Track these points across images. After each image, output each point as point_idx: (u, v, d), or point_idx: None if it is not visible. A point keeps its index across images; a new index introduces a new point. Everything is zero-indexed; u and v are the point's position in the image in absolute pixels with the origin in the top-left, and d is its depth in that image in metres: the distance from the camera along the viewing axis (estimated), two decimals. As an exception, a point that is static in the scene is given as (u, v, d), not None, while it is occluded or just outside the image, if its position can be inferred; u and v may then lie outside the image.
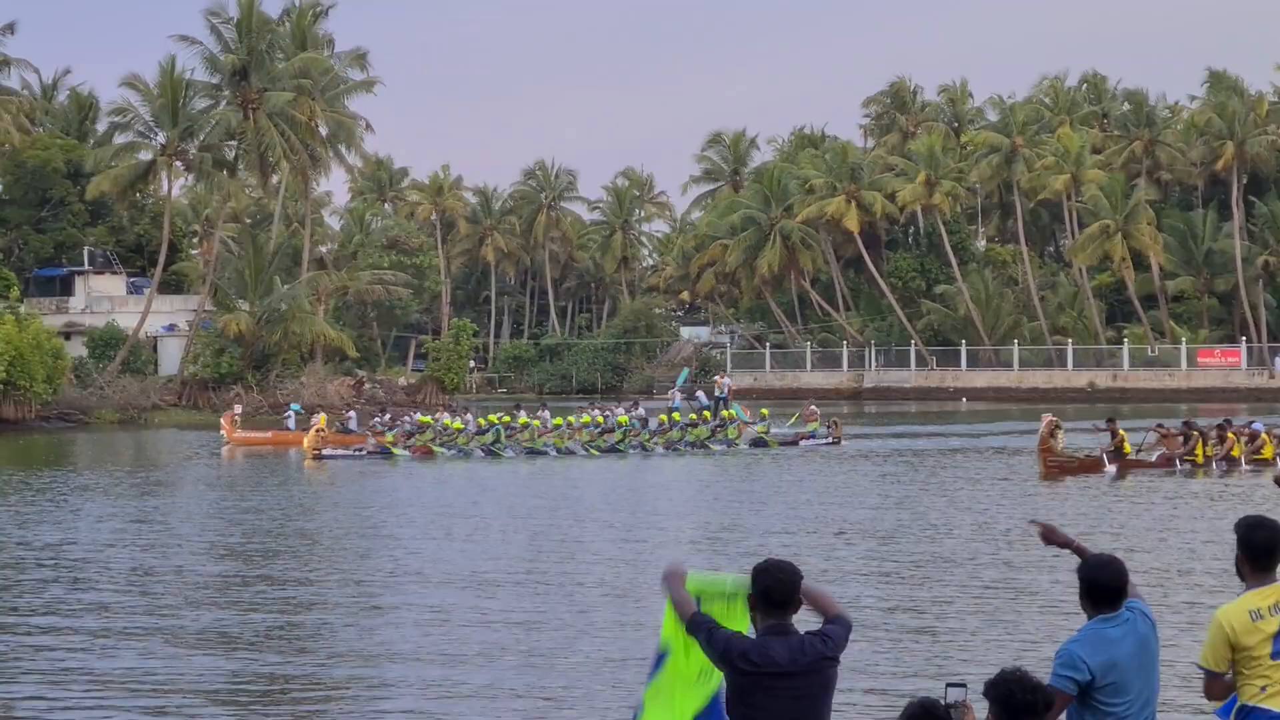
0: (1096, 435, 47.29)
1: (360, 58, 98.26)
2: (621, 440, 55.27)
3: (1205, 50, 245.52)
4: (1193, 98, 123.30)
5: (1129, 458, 44.89)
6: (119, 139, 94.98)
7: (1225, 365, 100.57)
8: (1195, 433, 45.25)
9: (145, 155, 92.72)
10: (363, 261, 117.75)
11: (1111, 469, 43.75)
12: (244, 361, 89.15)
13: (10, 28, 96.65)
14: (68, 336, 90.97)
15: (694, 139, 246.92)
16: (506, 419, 56.33)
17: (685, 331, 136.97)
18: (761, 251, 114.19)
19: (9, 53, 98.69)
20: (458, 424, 55.91)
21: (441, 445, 54.60)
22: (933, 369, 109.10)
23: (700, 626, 7.80)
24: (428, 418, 58.07)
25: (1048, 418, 44.71)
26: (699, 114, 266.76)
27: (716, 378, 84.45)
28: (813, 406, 64.49)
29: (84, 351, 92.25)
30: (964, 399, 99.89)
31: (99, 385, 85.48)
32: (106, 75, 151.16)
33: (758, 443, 57.28)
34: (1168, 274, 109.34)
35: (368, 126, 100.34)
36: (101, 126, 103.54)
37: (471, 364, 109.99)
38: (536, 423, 56.26)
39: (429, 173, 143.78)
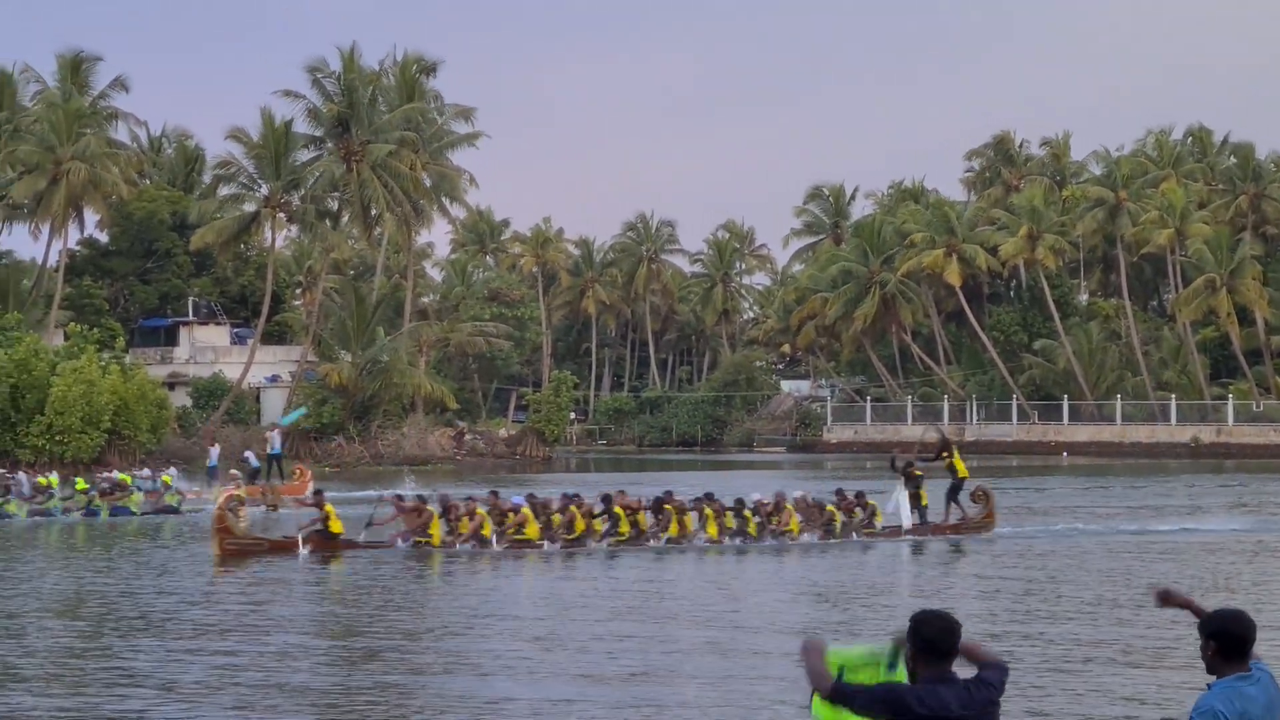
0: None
1: (465, 112, 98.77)
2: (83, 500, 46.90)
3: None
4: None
5: (343, 538, 36.39)
6: (223, 191, 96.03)
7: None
8: (462, 507, 36.87)
9: (249, 207, 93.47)
10: (464, 313, 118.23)
11: (305, 550, 35.44)
12: (345, 412, 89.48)
13: (123, 84, 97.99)
14: (172, 387, 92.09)
15: (795, 191, 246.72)
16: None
17: (786, 385, 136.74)
18: (861, 304, 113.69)
19: (119, 106, 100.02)
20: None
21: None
22: (1034, 423, 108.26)
23: (852, 689, 7.76)
24: None
25: (228, 490, 38.45)
26: (800, 166, 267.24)
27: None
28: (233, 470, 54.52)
29: (188, 401, 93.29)
30: (1065, 454, 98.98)
31: (202, 435, 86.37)
32: (211, 128, 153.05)
33: (165, 510, 47.95)
34: (1273, 329, 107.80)
35: (472, 181, 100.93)
36: (206, 179, 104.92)
37: (572, 416, 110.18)
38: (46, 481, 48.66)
39: (530, 225, 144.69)
